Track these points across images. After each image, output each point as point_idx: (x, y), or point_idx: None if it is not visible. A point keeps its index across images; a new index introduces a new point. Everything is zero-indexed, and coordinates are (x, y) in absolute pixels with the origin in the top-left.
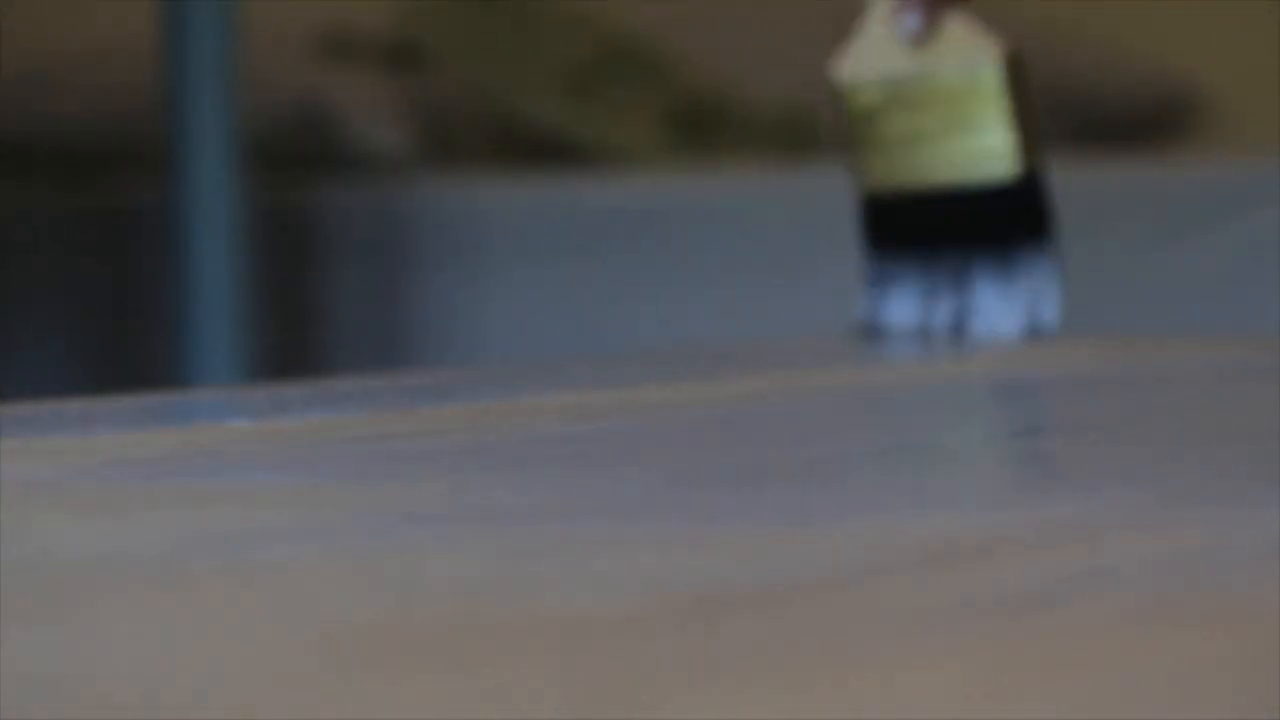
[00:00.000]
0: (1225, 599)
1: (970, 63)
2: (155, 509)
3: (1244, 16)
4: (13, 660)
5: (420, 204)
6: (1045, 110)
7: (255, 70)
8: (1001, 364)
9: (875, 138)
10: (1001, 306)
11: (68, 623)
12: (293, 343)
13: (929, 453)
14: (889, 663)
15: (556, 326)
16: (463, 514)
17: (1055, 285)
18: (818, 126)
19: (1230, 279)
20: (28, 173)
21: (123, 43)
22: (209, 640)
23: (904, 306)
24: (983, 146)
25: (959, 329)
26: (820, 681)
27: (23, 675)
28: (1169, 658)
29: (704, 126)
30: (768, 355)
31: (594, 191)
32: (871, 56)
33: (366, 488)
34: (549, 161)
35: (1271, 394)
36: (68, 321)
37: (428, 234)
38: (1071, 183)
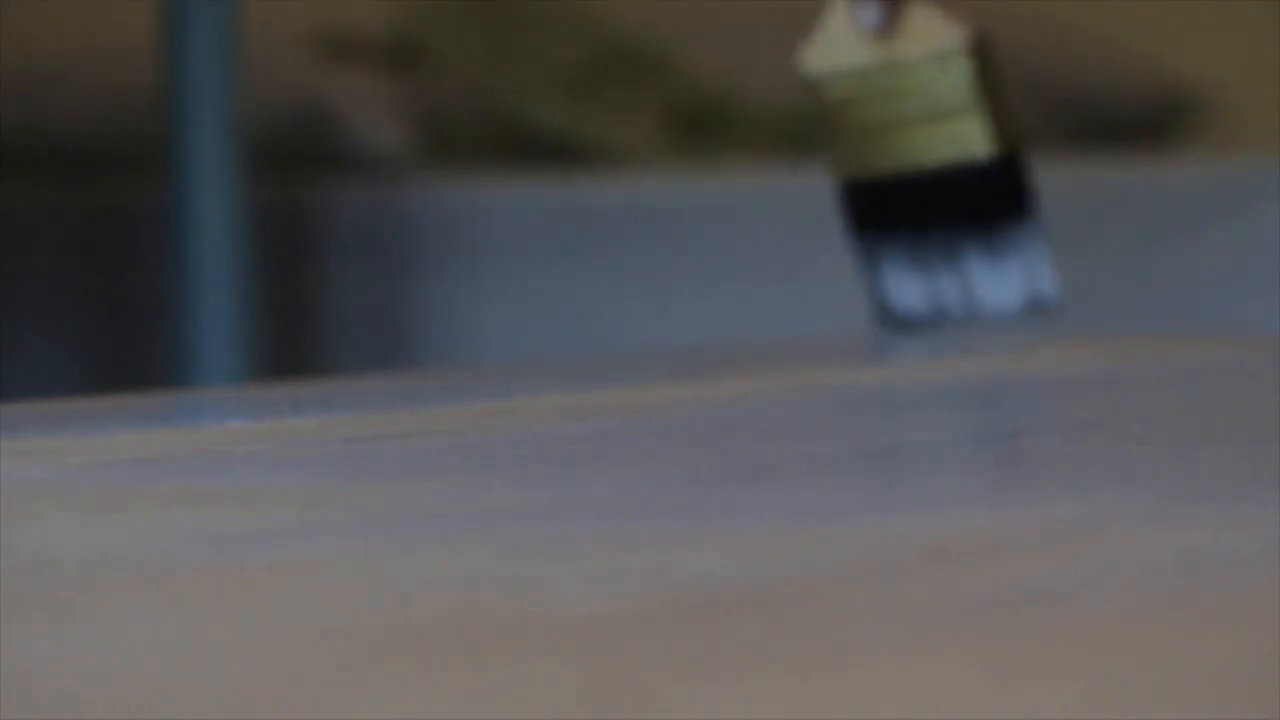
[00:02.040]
0: (1225, 599)
1: (937, 51)
2: (155, 509)
3: (1244, 16)
4: (13, 660)
5: (420, 204)
6: (1044, 110)
7: (255, 70)
8: (1001, 364)
9: (850, 127)
10: (999, 284)
11: (68, 623)
12: (293, 343)
13: (929, 453)
14: (889, 663)
15: (556, 326)
16: (463, 514)
17: (1048, 260)
18: (818, 126)
19: (1230, 279)
20: (28, 173)
21: (123, 43)
22: (209, 640)
23: (906, 289)
24: (958, 132)
25: (967, 308)
26: (820, 681)
27: (23, 675)
28: (1169, 658)
29: (704, 126)
30: (768, 355)
31: (594, 191)
32: (836, 49)
33: (367, 488)
34: (549, 161)
35: (1271, 394)
36: (68, 321)
37: (428, 234)
38: (1071, 183)
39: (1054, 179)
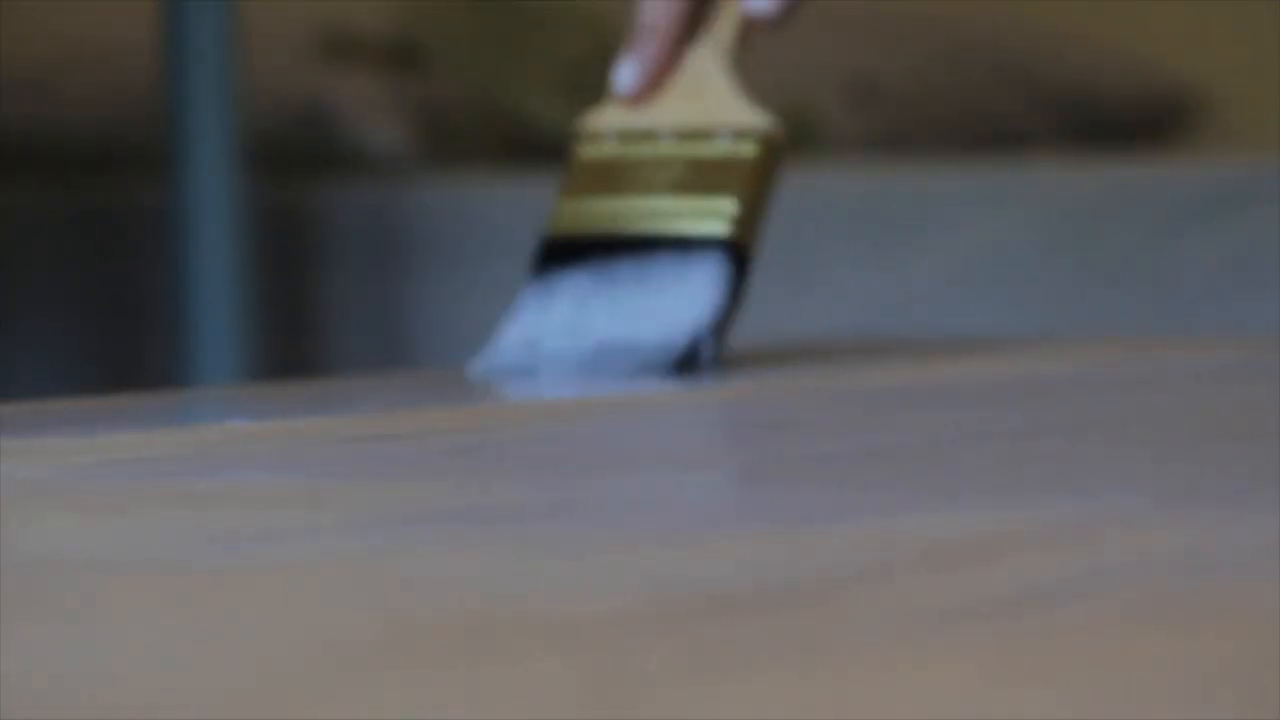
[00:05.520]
0: (1225, 599)
1: (729, 129)
2: (155, 509)
3: (1244, 16)
4: (13, 660)
5: (420, 204)
6: (1046, 110)
7: (255, 70)
8: (1002, 364)
9: (592, 180)
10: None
11: (68, 623)
12: (293, 343)
13: (929, 453)
14: (889, 663)
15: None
16: (462, 514)
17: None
18: (817, 126)
19: (1230, 279)
20: (28, 173)
21: (123, 43)
22: (209, 640)
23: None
24: (706, 212)
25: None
26: (820, 681)
27: (23, 675)
28: (1169, 658)
29: None
30: (767, 355)
31: None
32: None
33: (366, 488)
34: (549, 161)
35: (1271, 394)
36: (68, 321)
37: (428, 234)
38: (1071, 183)
39: (1054, 179)
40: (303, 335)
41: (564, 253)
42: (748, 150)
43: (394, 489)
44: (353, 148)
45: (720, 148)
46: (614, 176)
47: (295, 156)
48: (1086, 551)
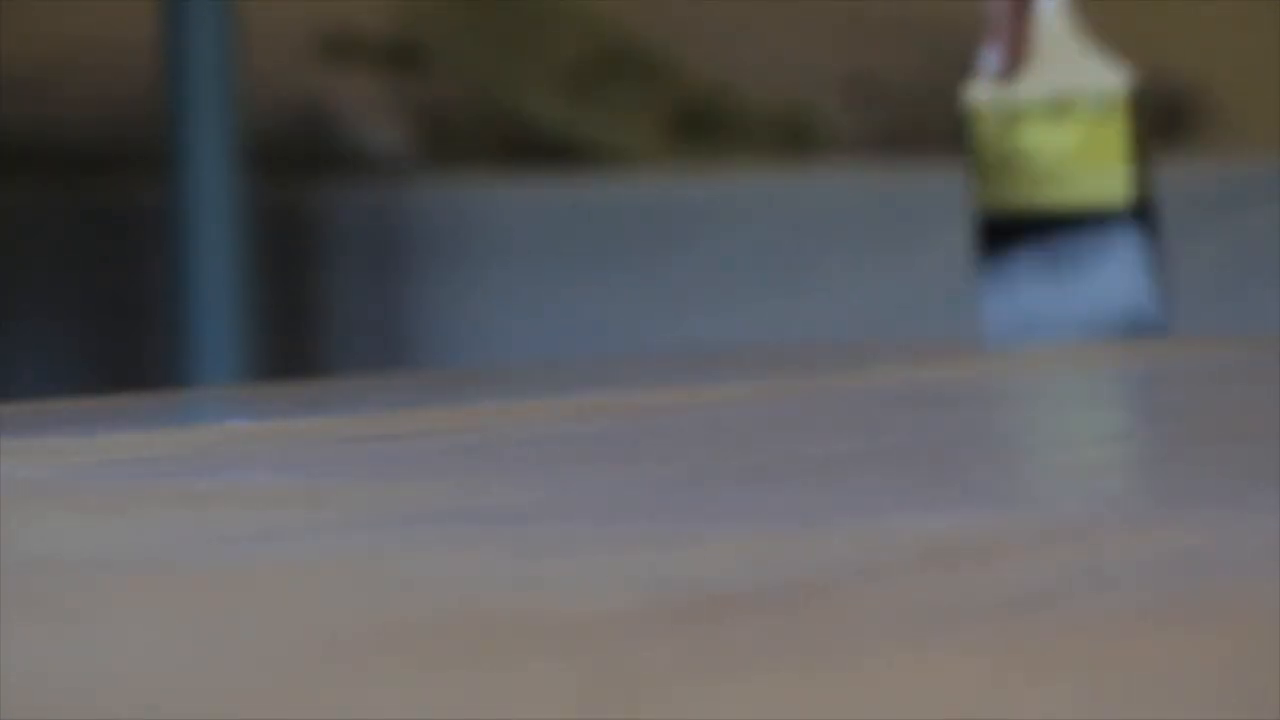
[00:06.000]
0: (1225, 599)
1: (1099, 94)
2: (155, 509)
3: (1244, 17)
4: (13, 660)
5: (420, 204)
6: None
7: (255, 70)
8: (1003, 365)
9: (995, 158)
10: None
11: (68, 623)
12: (293, 343)
13: (929, 453)
14: (889, 663)
15: (557, 326)
16: (463, 514)
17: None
18: (817, 126)
19: (1230, 279)
20: (28, 173)
21: (123, 43)
22: (208, 640)
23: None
24: (1103, 170)
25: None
26: (820, 681)
27: (23, 675)
28: (1169, 658)
29: (704, 126)
30: (767, 356)
31: (594, 191)
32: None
33: (366, 488)
34: (549, 161)
35: (1271, 394)
36: (68, 321)
37: (428, 234)
38: None
39: None
40: (303, 335)
41: (996, 234)
42: (1118, 106)
43: (394, 489)
44: (353, 148)
45: (1094, 108)
46: (1011, 153)
47: (295, 156)
48: (1086, 551)
